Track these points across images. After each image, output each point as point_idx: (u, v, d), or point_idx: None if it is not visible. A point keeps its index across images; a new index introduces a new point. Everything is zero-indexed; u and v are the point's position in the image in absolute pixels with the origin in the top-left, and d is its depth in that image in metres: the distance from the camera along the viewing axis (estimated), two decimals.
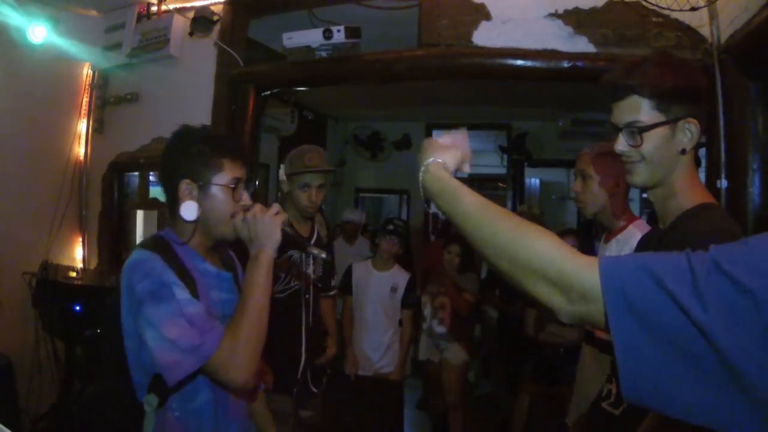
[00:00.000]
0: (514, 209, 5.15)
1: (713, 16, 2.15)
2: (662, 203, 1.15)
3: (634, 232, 1.67)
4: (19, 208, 2.89)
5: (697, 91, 1.08)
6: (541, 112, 5.49)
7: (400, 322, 3.16)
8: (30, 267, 2.88)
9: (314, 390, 2.24)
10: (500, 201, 5.30)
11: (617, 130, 1.10)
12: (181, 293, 1.15)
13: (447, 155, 0.93)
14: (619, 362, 0.60)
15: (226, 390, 1.26)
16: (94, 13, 3.15)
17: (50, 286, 2.80)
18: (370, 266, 3.16)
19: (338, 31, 2.52)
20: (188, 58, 3.04)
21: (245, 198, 1.30)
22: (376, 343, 3.06)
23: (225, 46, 2.92)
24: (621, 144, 1.10)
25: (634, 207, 4.60)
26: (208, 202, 1.25)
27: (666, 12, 2.11)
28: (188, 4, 3.01)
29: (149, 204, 3.49)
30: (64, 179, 3.19)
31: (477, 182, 6.58)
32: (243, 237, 1.26)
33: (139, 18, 3.05)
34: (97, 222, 3.31)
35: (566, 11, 2.38)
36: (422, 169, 0.92)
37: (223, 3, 2.95)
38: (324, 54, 2.64)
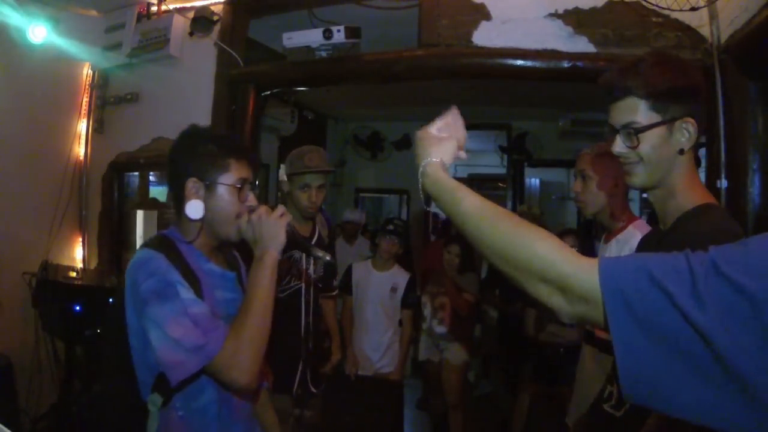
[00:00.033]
0: (514, 209, 5.14)
1: (713, 16, 2.15)
2: (662, 204, 1.14)
3: (634, 233, 1.67)
4: (19, 208, 2.89)
5: (694, 90, 1.07)
6: (541, 112, 5.48)
7: (400, 322, 3.16)
8: (30, 267, 2.88)
9: (314, 390, 2.25)
10: (500, 201, 5.29)
11: (614, 131, 1.10)
12: (186, 293, 1.15)
13: (442, 150, 0.93)
14: (619, 363, 0.60)
15: (229, 390, 1.26)
16: (94, 13, 3.15)
17: (50, 286, 2.80)
18: (370, 266, 3.17)
19: (338, 31, 2.52)
20: (188, 58, 3.04)
21: (251, 199, 1.29)
22: (376, 343, 3.06)
23: (225, 46, 2.92)
24: (618, 145, 1.09)
25: (634, 207, 4.59)
26: (214, 202, 1.25)
27: (666, 12, 2.10)
28: (188, 4, 3.01)
29: (149, 204, 3.49)
30: (64, 179, 3.19)
31: (477, 182, 6.57)
32: (248, 238, 1.25)
33: (139, 18, 3.05)
34: (97, 222, 3.31)
35: (566, 11, 2.38)
36: (420, 171, 0.92)
37: (223, 3, 2.95)
38: (324, 54, 2.64)
